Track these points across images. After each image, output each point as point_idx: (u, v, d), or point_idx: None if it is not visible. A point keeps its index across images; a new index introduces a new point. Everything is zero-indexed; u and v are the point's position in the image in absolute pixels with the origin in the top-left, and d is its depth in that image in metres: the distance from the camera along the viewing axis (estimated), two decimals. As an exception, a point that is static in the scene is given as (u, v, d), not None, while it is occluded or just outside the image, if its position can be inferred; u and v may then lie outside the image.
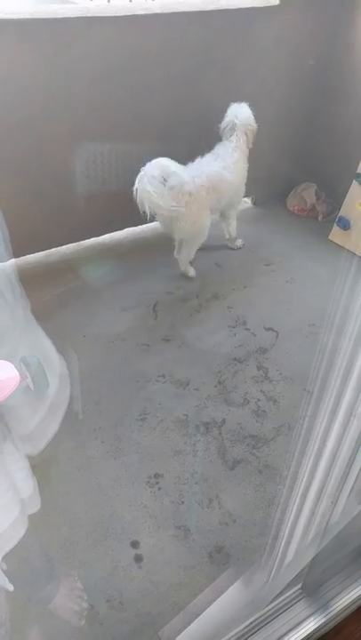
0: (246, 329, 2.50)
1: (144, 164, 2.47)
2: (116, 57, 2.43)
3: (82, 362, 2.24)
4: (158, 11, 2.44)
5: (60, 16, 2.21)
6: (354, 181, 2.91)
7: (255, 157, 2.83)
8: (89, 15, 2.27)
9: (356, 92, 3.04)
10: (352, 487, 1.38)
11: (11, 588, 1.30)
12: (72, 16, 2.22)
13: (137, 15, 2.38)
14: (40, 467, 1.82)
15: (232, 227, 3.00)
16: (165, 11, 2.46)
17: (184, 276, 2.80)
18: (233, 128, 2.69)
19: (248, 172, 2.85)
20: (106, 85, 2.48)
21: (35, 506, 1.48)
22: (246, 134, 2.72)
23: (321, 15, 2.94)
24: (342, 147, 3.13)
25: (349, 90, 3.08)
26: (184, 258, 2.76)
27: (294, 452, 1.92)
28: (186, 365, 2.29)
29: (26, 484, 1.46)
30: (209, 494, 1.80)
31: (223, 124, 2.72)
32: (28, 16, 2.13)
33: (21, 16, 2.11)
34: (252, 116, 2.70)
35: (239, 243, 3.08)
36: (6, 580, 1.28)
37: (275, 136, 3.22)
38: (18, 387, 1.96)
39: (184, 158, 2.62)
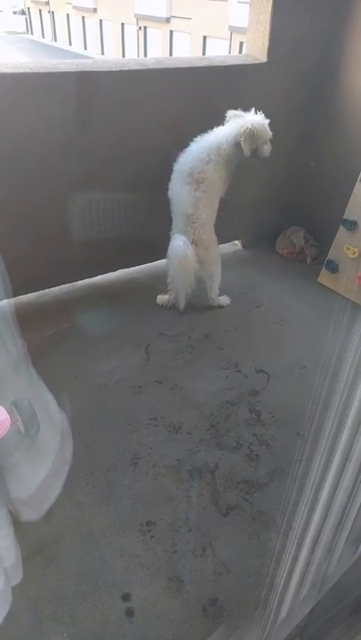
0: (238, 371, 2.50)
1: (136, 210, 2.54)
2: (110, 109, 2.52)
3: (73, 404, 2.21)
4: (152, 66, 2.55)
5: (57, 70, 2.30)
6: (341, 226, 2.99)
7: (245, 203, 2.91)
8: (86, 70, 2.37)
9: (338, 141, 3.17)
10: (348, 535, 1.36)
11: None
12: (69, 70, 2.32)
13: (131, 70, 2.49)
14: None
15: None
16: (158, 66, 2.57)
17: (176, 317, 2.83)
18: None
19: (238, 216, 2.91)
20: (99, 137, 2.56)
21: (17, 577, 1.43)
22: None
23: (305, 71, 3.09)
24: (329, 193, 3.24)
25: (333, 140, 3.21)
26: (214, 292, 2.89)
27: (288, 498, 1.90)
28: (178, 408, 2.28)
29: (9, 552, 1.41)
30: (202, 543, 1.76)
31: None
32: (28, 70, 2.22)
33: (21, 70, 2.20)
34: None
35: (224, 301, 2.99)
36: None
37: (264, 184, 3.33)
38: (8, 430, 1.94)
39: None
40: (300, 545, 1.57)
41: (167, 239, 2.78)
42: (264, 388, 2.41)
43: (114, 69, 2.44)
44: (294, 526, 1.79)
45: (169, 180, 2.68)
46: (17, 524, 1.64)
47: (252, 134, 2.52)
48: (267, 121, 2.60)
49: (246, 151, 2.55)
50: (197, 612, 1.58)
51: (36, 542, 1.72)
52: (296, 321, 2.86)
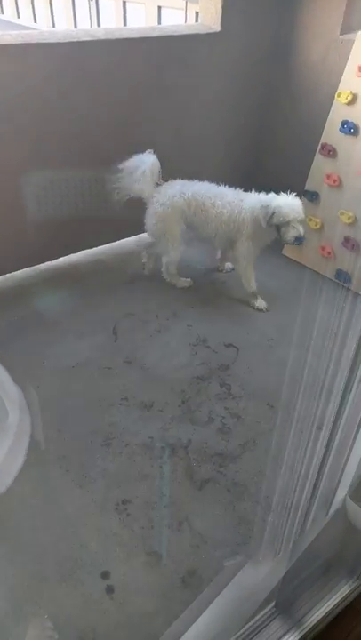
0: (207, 346, 2.52)
1: (95, 188, 2.48)
2: (60, 83, 2.44)
3: (42, 390, 2.19)
4: (103, 37, 2.47)
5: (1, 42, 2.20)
6: (303, 198, 3.00)
7: (205, 177, 2.88)
8: (32, 42, 2.27)
9: (298, 112, 3.16)
10: (318, 500, 1.40)
11: None
12: (14, 43, 2.22)
13: (81, 42, 2.41)
14: (3, 501, 1.76)
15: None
16: (109, 37, 2.49)
17: (143, 297, 2.81)
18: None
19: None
20: (51, 113, 2.47)
21: None
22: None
23: (261, 41, 3.05)
24: (291, 165, 3.24)
25: (293, 111, 3.20)
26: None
27: (261, 468, 1.94)
28: (149, 387, 2.28)
29: None
30: (178, 517, 1.79)
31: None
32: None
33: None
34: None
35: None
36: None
37: (223, 157, 3.30)
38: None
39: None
40: (272, 512, 1.61)
41: (130, 216, 2.75)
42: (233, 362, 2.43)
43: (62, 41, 2.34)
44: (267, 494, 1.83)
45: (126, 157, 2.61)
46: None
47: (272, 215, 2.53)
48: (297, 202, 2.55)
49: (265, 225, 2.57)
50: (177, 583, 1.61)
51: (12, 529, 1.71)
52: (263, 294, 2.88)
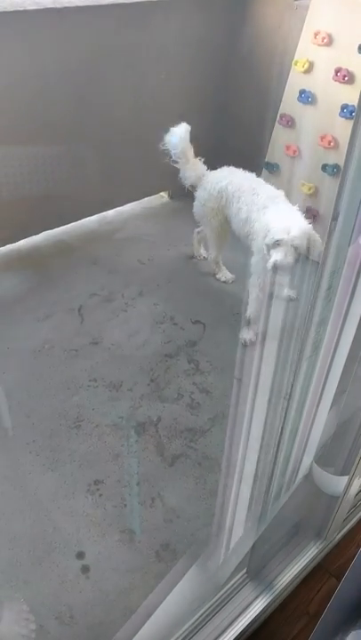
0: (174, 324, 2.51)
1: (54, 165, 2.41)
2: (5, 54, 2.34)
3: (7, 376, 2.16)
4: (50, 5, 2.36)
5: None
6: (263, 169, 2.99)
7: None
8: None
9: (257, 80, 3.12)
10: (286, 468, 1.43)
11: None
12: None
13: (27, 10, 2.30)
14: None
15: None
16: (57, 5, 2.39)
17: (108, 277, 2.78)
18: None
19: (162, 165, 2.83)
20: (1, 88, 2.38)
21: None
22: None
23: (220, 6, 2.98)
24: (250, 137, 3.21)
25: (253, 78, 3.15)
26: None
27: (230, 440, 1.97)
28: (117, 367, 2.27)
29: None
30: (151, 494, 1.80)
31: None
32: None
33: None
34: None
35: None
36: None
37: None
38: None
39: (92, 160, 2.58)
40: (241, 482, 1.65)
41: (91, 195, 2.69)
42: (201, 338, 2.44)
43: (8, 9, 2.24)
44: (236, 465, 1.86)
45: (85, 132, 2.54)
46: None
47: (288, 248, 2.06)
48: (307, 227, 2.11)
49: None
50: (151, 558, 1.63)
51: (-17, 516, 1.70)
52: (229, 268, 2.88)
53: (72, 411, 2.05)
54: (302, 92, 2.71)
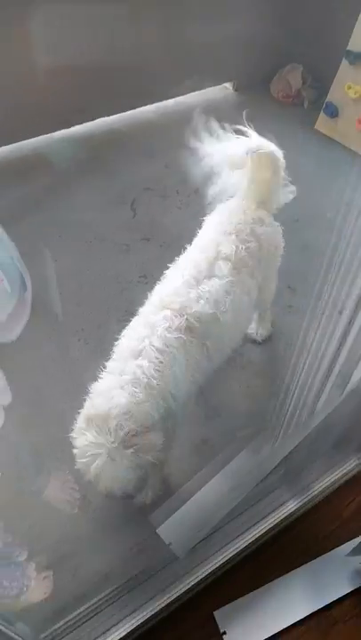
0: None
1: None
2: None
3: (59, 263, 2.15)
4: None
5: None
6: (343, 60, 2.67)
7: (235, 38, 2.55)
8: None
9: None
10: (335, 380, 1.41)
11: None
12: None
13: None
14: (26, 371, 1.81)
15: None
16: None
17: (163, 171, 2.64)
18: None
19: (229, 54, 2.55)
20: None
21: (6, 399, 1.51)
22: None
23: None
24: (330, 21, 2.84)
25: None
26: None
27: (278, 350, 1.95)
28: (168, 265, 2.22)
29: None
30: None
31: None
32: None
33: None
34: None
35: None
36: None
37: (256, 12, 2.89)
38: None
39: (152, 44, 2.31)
40: (287, 391, 1.64)
41: (149, 81, 2.49)
42: (255, 244, 2.34)
43: None
44: (283, 374, 1.85)
45: (146, 12, 2.26)
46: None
47: None
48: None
49: None
50: (190, 450, 1.69)
51: (33, 396, 1.78)
52: (291, 171, 2.68)
53: (121, 305, 2.05)
54: None
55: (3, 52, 2.28)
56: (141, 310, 1.41)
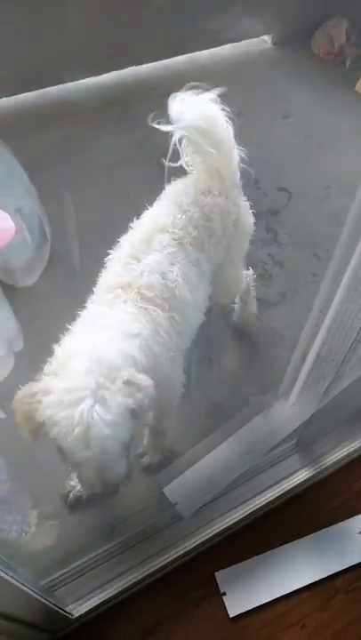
0: (258, 188, 2.32)
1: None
2: None
3: (80, 216, 2.10)
4: None
5: None
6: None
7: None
8: None
9: None
10: (354, 353, 1.35)
11: (2, 415, 1.33)
12: None
13: None
14: (39, 319, 1.79)
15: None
16: None
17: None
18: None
19: (268, 4, 2.38)
20: None
21: (18, 345, 1.50)
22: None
23: None
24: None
25: None
26: None
27: (298, 318, 1.89)
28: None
29: (8, 323, 1.46)
30: (209, 354, 1.80)
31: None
32: None
33: None
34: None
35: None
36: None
37: None
38: (13, 239, 1.86)
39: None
40: (305, 359, 1.59)
41: (181, 30, 2.36)
42: (284, 208, 2.25)
43: None
44: (302, 342, 1.80)
45: None
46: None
47: None
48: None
49: None
50: (201, 413, 1.67)
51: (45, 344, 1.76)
52: (327, 135, 2.56)
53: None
54: None
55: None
56: (91, 299, 1.26)
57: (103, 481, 0.99)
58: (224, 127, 1.38)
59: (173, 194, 1.41)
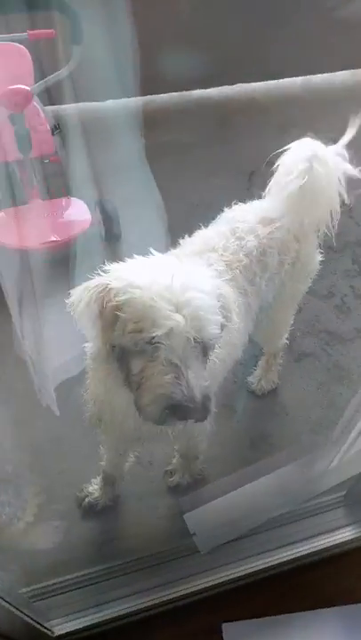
0: (351, 217, 2.15)
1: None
2: None
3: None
4: None
5: None
6: None
7: None
8: None
9: None
10: None
11: (57, 412, 1.33)
12: None
13: None
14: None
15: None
16: None
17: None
18: None
19: None
20: None
21: None
22: None
23: None
24: None
25: None
26: None
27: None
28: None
29: None
30: (266, 382, 1.64)
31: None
32: None
33: None
34: None
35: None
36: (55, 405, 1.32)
37: None
38: (86, 231, 1.85)
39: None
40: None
41: (297, 52, 2.29)
42: (376, 241, 2.07)
43: None
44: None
45: None
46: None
47: None
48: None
49: None
50: (245, 442, 1.52)
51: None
52: None
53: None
54: None
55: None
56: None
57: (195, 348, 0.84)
58: (337, 189, 1.33)
59: (229, 219, 1.29)
